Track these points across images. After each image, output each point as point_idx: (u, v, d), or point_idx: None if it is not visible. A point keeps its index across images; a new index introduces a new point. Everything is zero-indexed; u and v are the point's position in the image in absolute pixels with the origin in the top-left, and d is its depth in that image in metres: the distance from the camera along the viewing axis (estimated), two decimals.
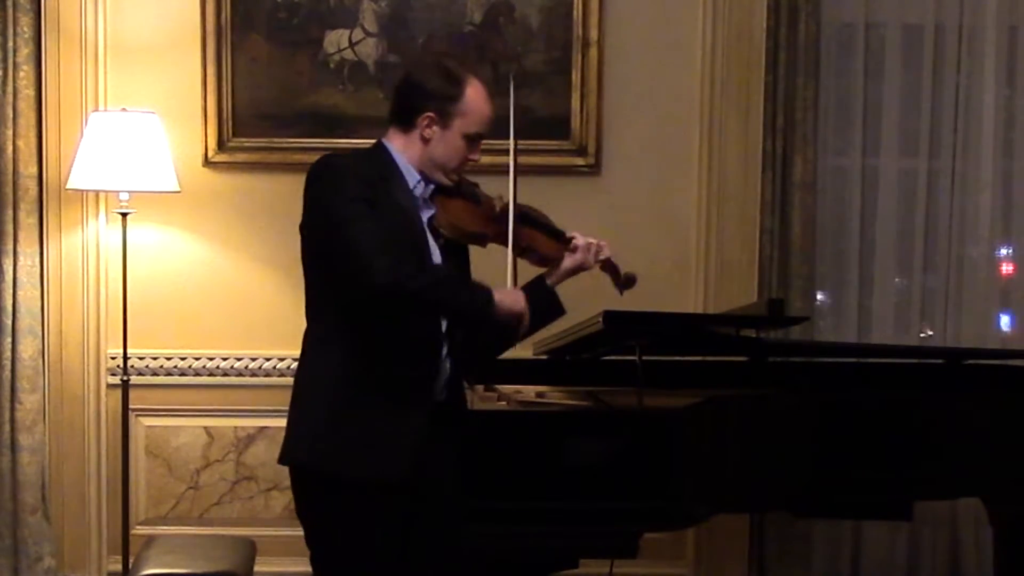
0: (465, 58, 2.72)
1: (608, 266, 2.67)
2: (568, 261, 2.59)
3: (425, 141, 2.50)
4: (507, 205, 2.56)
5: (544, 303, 2.56)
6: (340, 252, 2.39)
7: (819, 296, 4.16)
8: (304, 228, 2.49)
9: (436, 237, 2.52)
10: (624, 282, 2.69)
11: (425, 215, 2.53)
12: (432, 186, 2.54)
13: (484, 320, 2.47)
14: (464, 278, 2.58)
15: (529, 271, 2.62)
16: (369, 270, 2.34)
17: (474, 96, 2.50)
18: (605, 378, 3.30)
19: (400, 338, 2.45)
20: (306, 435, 2.48)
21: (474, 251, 2.64)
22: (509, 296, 2.50)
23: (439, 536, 2.53)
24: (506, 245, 2.55)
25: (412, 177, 2.52)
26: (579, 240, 2.61)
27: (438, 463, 2.51)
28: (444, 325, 2.51)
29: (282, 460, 2.53)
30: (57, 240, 3.96)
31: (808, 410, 3.02)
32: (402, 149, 2.52)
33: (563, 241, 2.62)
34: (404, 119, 2.52)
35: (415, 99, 2.50)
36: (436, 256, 2.51)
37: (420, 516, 2.51)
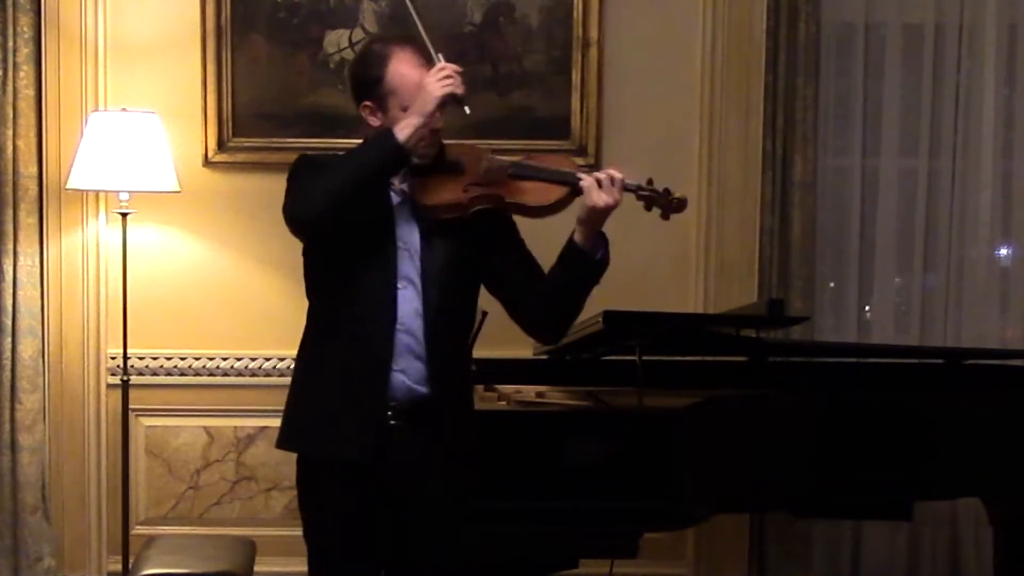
0: (396, 35, 2.64)
1: (645, 196, 2.47)
2: (584, 210, 2.42)
3: (380, 129, 2.45)
4: (494, 164, 2.47)
5: (574, 263, 2.45)
6: (286, 220, 2.42)
7: (831, 284, 4.16)
8: None
9: (420, 223, 2.47)
10: (673, 207, 2.48)
11: (397, 194, 2.47)
12: (404, 173, 2.47)
13: (403, 155, 2.35)
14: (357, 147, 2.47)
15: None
16: (292, 210, 2.39)
17: (398, 69, 2.42)
18: (605, 378, 3.31)
19: (354, 323, 2.44)
20: (283, 418, 2.57)
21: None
22: (420, 97, 2.36)
23: (436, 536, 2.51)
24: (489, 206, 2.43)
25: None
26: (585, 181, 2.41)
27: (417, 459, 2.46)
28: (397, 317, 2.44)
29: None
30: (57, 240, 3.96)
31: (808, 410, 3.02)
32: None
33: (571, 182, 2.44)
34: (361, 117, 2.51)
35: (353, 94, 2.49)
36: (406, 247, 2.45)
37: (412, 516, 2.49)
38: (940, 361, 3.48)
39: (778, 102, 3.99)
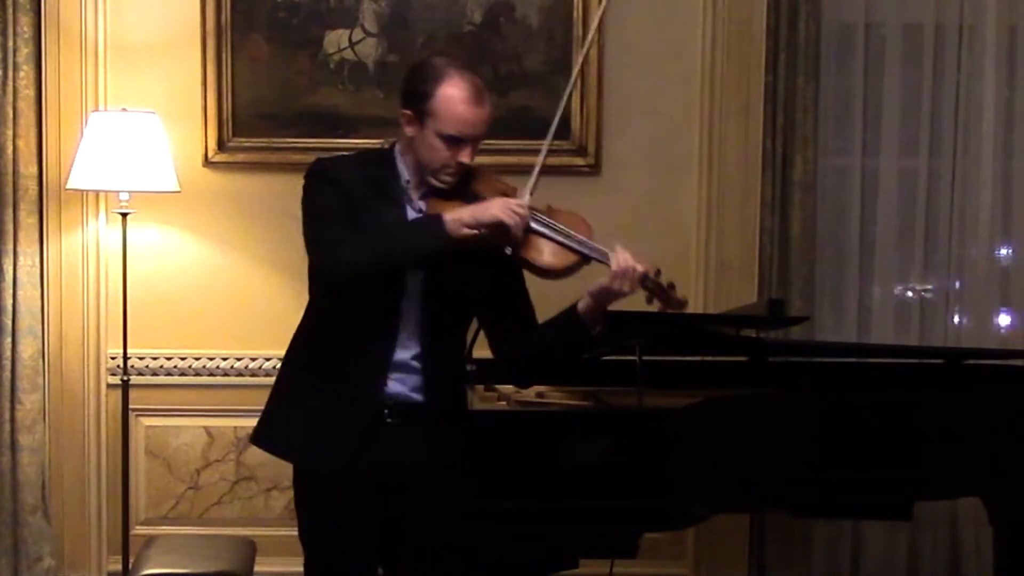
0: (464, 57, 2.59)
1: (650, 288, 2.45)
2: (599, 285, 2.44)
3: (411, 139, 2.46)
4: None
5: (569, 330, 2.50)
6: (307, 249, 2.43)
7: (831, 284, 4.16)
8: None
9: None
10: (672, 304, 2.48)
11: (414, 209, 2.48)
12: (425, 192, 2.48)
13: (446, 249, 2.34)
14: (411, 219, 2.44)
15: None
16: (321, 259, 2.38)
17: (447, 96, 2.38)
18: (605, 378, 3.31)
19: (348, 330, 2.45)
20: (264, 416, 2.59)
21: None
22: (484, 205, 2.35)
23: (431, 537, 2.51)
24: (502, 247, 2.39)
25: (403, 177, 2.49)
26: (616, 263, 2.41)
27: (411, 466, 2.46)
28: (403, 320, 2.44)
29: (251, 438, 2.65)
30: (57, 240, 3.96)
31: (808, 410, 3.02)
32: (404, 148, 2.51)
33: (592, 257, 2.42)
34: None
35: (401, 96, 2.48)
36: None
37: (405, 516, 2.49)
38: (940, 361, 3.48)
39: (778, 102, 3.98)
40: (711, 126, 4.00)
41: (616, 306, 2.71)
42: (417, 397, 2.46)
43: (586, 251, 2.43)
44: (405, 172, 2.49)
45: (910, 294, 4.18)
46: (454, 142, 2.40)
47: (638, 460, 2.74)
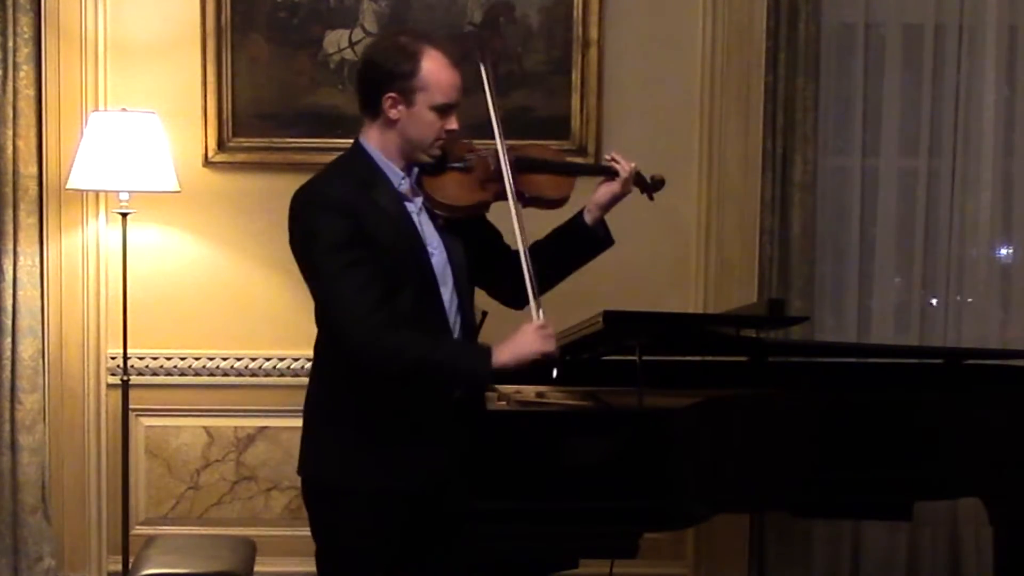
0: (423, 30, 2.64)
1: (638, 181, 2.69)
2: (602, 194, 2.62)
3: (394, 123, 2.45)
4: (497, 157, 2.52)
5: (585, 242, 2.60)
6: (323, 309, 2.42)
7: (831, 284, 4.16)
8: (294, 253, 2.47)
9: (435, 219, 2.50)
10: (653, 186, 2.74)
11: (416, 204, 2.49)
12: (416, 172, 2.50)
13: (486, 381, 2.48)
14: (456, 341, 2.47)
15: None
16: (350, 339, 2.34)
17: (432, 67, 2.42)
18: (605, 378, 3.30)
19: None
20: (321, 448, 2.50)
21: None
22: (519, 343, 2.39)
23: (447, 537, 2.53)
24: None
25: (395, 175, 2.48)
26: (623, 171, 2.63)
27: (456, 463, 2.50)
28: (448, 312, 2.48)
29: (299, 471, 2.56)
30: (57, 240, 3.96)
31: (808, 410, 3.02)
32: (379, 143, 2.48)
33: (592, 172, 2.64)
34: (371, 106, 2.47)
35: (375, 83, 2.45)
36: (436, 250, 2.47)
37: (442, 524, 2.51)
38: (940, 361, 3.48)
39: (778, 102, 3.98)
40: (711, 126, 4.00)
41: (616, 306, 2.72)
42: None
43: (586, 171, 2.72)
44: (391, 165, 2.48)
45: (910, 294, 4.18)
46: (446, 110, 2.45)
47: (638, 460, 2.73)
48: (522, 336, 2.40)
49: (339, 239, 2.35)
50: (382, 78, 2.44)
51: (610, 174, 2.66)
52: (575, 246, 2.63)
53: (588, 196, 2.72)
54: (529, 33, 3.98)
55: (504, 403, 3.10)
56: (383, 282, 2.36)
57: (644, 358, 2.83)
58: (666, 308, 3.78)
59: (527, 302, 2.49)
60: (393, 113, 2.44)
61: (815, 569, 4.12)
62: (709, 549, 4.09)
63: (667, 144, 4.03)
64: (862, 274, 4.16)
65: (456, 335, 2.51)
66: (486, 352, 2.39)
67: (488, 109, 2.53)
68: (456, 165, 2.52)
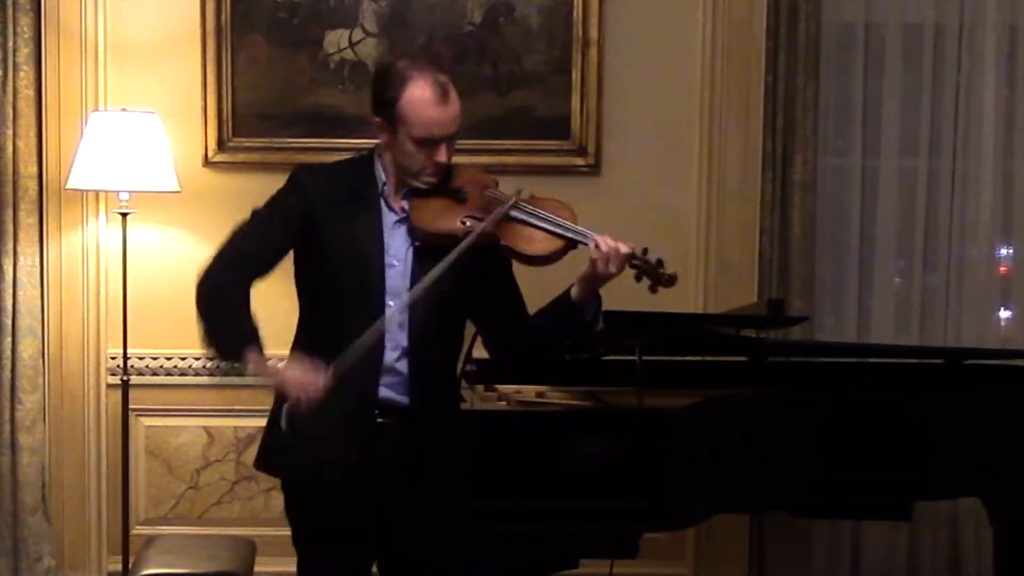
0: (429, 57, 2.58)
1: (638, 266, 2.44)
2: (587, 270, 2.41)
3: (387, 146, 2.45)
4: (496, 200, 2.44)
5: (565, 317, 2.47)
6: None
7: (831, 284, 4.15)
8: None
9: (413, 240, 2.46)
10: (662, 281, 2.45)
11: (396, 215, 2.48)
12: (406, 192, 2.48)
13: (231, 362, 2.50)
14: (242, 315, 2.49)
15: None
16: (208, 259, 2.45)
17: (413, 99, 2.36)
18: (605, 378, 3.30)
19: (336, 337, 2.42)
20: (262, 439, 2.62)
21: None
22: (278, 370, 2.42)
23: (422, 537, 2.51)
24: (481, 242, 2.38)
25: (380, 181, 2.48)
26: (595, 250, 2.39)
27: (405, 459, 2.46)
28: (387, 325, 2.42)
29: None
30: (57, 240, 3.96)
31: (808, 410, 3.02)
32: (383, 152, 2.50)
33: (575, 240, 2.42)
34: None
35: (372, 102, 2.48)
36: (399, 263, 2.44)
37: (397, 516, 2.49)
38: (940, 361, 3.48)
39: (778, 102, 3.98)
40: (711, 126, 4.00)
41: (616, 306, 2.72)
42: (403, 400, 2.46)
43: (569, 235, 2.43)
44: (383, 176, 2.48)
45: (910, 294, 4.18)
46: (428, 144, 2.40)
47: (638, 460, 2.74)
48: (289, 366, 2.43)
49: (279, 205, 2.48)
50: (373, 100, 2.47)
51: (586, 244, 2.43)
52: (559, 319, 2.49)
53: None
54: (529, 33, 3.97)
55: (504, 403, 3.11)
56: (270, 251, 2.47)
57: (644, 358, 2.83)
58: (666, 308, 3.77)
59: (504, 355, 2.61)
60: (380, 136, 2.46)
61: (815, 569, 4.12)
62: (709, 549, 4.09)
63: (667, 144, 4.03)
64: (862, 274, 4.16)
65: (398, 353, 2.45)
66: (246, 341, 2.43)
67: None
68: (452, 193, 2.46)
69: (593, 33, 3.95)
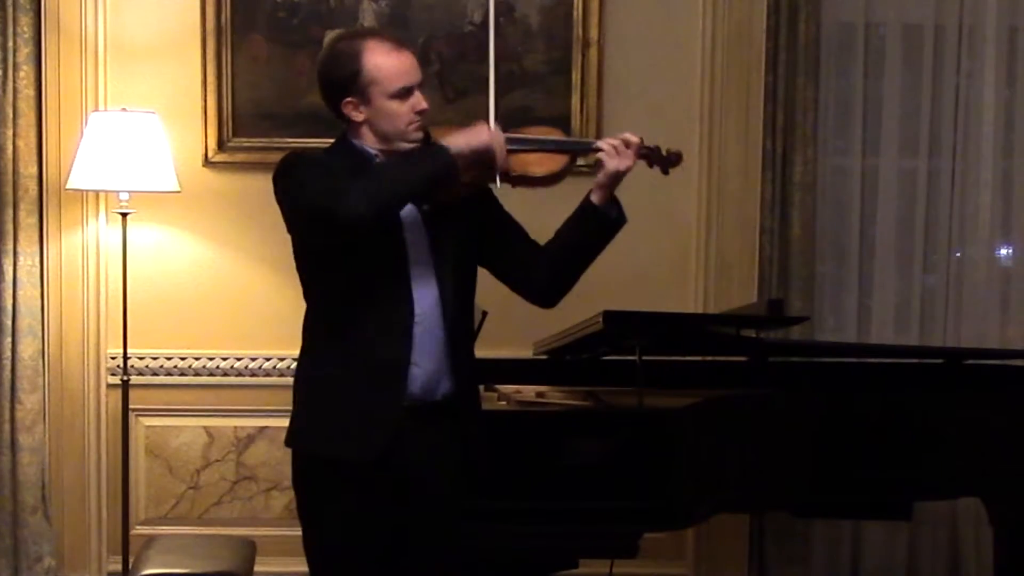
0: (361, 27, 2.59)
1: (647, 154, 2.58)
2: (601, 174, 2.52)
3: (365, 123, 2.46)
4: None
5: (594, 223, 2.53)
6: (307, 212, 2.40)
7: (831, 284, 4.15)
8: (287, 224, 2.53)
9: (419, 207, 2.47)
10: (671, 161, 2.62)
11: None
12: None
13: (455, 173, 2.37)
14: (406, 154, 2.45)
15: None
16: (331, 210, 2.32)
17: (375, 58, 2.41)
18: (605, 378, 3.30)
19: (369, 320, 2.43)
20: (293, 417, 2.55)
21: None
22: (471, 131, 2.42)
23: (438, 534, 2.51)
24: (494, 183, 2.47)
25: (374, 155, 2.49)
26: (604, 147, 2.52)
27: (434, 460, 2.47)
28: (415, 311, 2.43)
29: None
30: (57, 240, 3.96)
31: (808, 410, 3.02)
32: (361, 138, 2.50)
33: (581, 150, 2.57)
34: (340, 117, 2.50)
35: (330, 97, 2.48)
36: (410, 234, 2.45)
37: (413, 513, 2.48)
38: (940, 361, 3.48)
39: (778, 102, 3.98)
40: (711, 126, 4.00)
41: (616, 306, 2.72)
42: (445, 384, 2.47)
43: (572, 147, 2.58)
44: (371, 152, 2.49)
45: (910, 294, 4.18)
46: (405, 94, 2.43)
47: (638, 460, 2.73)
48: (476, 127, 2.43)
49: (315, 166, 2.45)
50: (333, 90, 2.47)
51: (592, 150, 2.58)
52: (586, 228, 2.55)
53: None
54: (529, 33, 3.98)
55: (504, 403, 3.11)
56: (346, 251, 2.41)
57: (644, 358, 2.83)
58: (666, 308, 3.78)
59: (554, 297, 2.60)
60: (357, 115, 2.46)
61: (815, 569, 4.12)
62: (709, 549, 4.09)
63: (667, 144, 4.01)
64: (862, 274, 4.16)
65: (433, 332, 2.45)
66: (439, 145, 2.40)
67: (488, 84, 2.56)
68: None
69: (593, 33, 3.95)
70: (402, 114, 2.44)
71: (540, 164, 2.53)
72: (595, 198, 2.54)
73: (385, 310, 2.43)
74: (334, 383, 2.46)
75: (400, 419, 2.43)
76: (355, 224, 2.31)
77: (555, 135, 2.62)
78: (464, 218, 2.51)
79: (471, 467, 2.54)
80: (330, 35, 2.51)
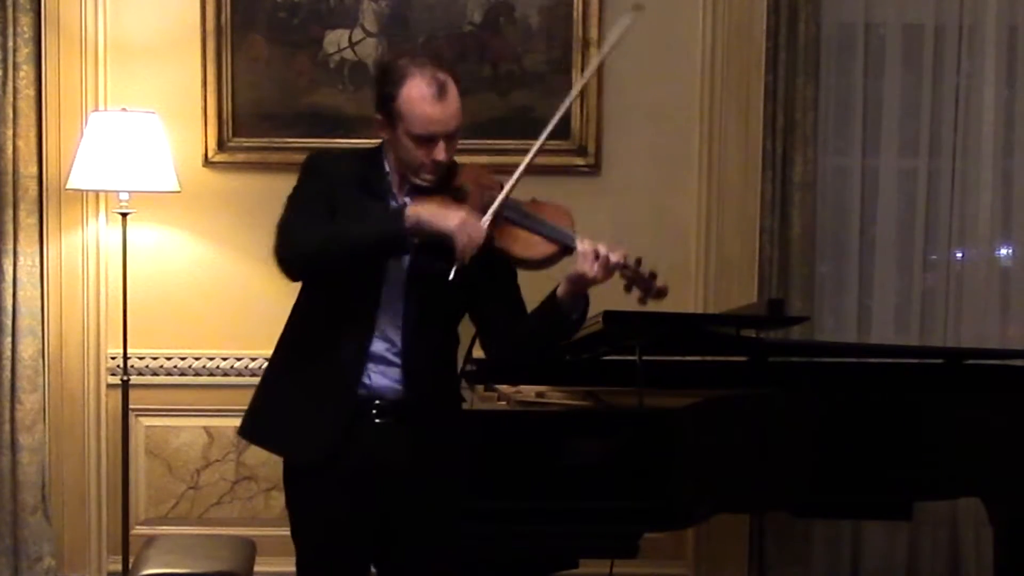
0: (432, 54, 2.54)
1: (627, 275, 2.43)
2: (573, 272, 2.39)
3: (388, 143, 2.46)
4: (496, 200, 2.41)
5: (551, 316, 2.45)
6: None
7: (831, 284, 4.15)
8: None
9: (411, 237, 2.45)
10: (652, 292, 2.45)
11: (398, 203, 2.47)
12: (408, 188, 2.48)
13: (401, 240, 2.32)
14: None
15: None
16: (276, 244, 2.44)
17: (410, 96, 2.36)
18: (605, 378, 3.30)
19: (328, 319, 2.48)
20: (249, 408, 2.62)
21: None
22: (443, 211, 2.31)
23: (422, 536, 2.51)
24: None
25: (392, 176, 2.49)
26: (580, 248, 2.39)
27: (405, 457, 2.46)
28: (382, 311, 2.44)
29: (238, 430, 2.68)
30: (57, 240, 3.96)
31: (808, 410, 3.02)
32: (387, 146, 2.50)
33: (565, 244, 2.41)
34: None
35: (374, 100, 2.48)
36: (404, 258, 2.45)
37: (397, 514, 2.49)
38: (940, 361, 3.48)
39: (778, 102, 3.99)
40: (711, 126, 4.00)
41: (614, 306, 2.72)
42: (399, 389, 2.47)
43: (564, 240, 2.41)
44: (388, 169, 2.50)
45: (910, 294, 4.18)
46: (425, 141, 2.39)
47: (638, 460, 2.74)
48: (455, 212, 2.33)
49: (309, 194, 2.46)
50: (376, 95, 2.47)
51: (571, 247, 2.42)
52: (546, 318, 2.48)
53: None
54: (529, 33, 3.97)
55: (504, 403, 3.11)
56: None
57: (644, 358, 2.83)
58: (666, 308, 3.77)
59: (500, 357, 2.65)
60: (382, 134, 2.46)
61: (815, 569, 4.12)
62: (709, 549, 4.09)
63: (667, 144, 4.03)
64: (862, 274, 4.16)
65: (391, 344, 2.46)
66: (397, 210, 2.39)
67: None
68: (452, 191, 2.45)
69: (593, 33, 3.95)
70: (417, 156, 2.41)
71: (524, 246, 2.42)
72: (560, 291, 2.43)
73: (351, 317, 2.46)
74: (291, 380, 2.53)
75: (349, 427, 2.45)
76: (283, 268, 2.45)
77: (563, 220, 2.48)
78: (486, 266, 2.43)
79: (446, 469, 2.53)
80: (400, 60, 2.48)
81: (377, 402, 2.46)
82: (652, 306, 2.54)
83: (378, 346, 2.46)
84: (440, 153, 2.40)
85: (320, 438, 2.46)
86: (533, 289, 2.58)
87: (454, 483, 2.55)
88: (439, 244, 2.34)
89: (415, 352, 2.47)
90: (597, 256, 2.37)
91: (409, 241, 2.35)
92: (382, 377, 2.47)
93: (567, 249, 2.42)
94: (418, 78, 2.37)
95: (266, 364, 2.56)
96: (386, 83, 2.42)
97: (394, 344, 2.47)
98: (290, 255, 2.42)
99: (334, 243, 2.37)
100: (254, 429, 2.63)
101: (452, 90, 2.40)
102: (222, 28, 3.93)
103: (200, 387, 4.04)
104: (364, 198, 2.45)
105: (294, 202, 2.49)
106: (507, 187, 2.44)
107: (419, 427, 2.48)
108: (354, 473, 2.45)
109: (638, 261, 2.45)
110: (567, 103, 2.51)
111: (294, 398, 2.51)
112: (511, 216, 2.44)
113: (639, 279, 2.44)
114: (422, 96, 2.36)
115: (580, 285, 2.41)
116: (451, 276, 2.32)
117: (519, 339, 2.55)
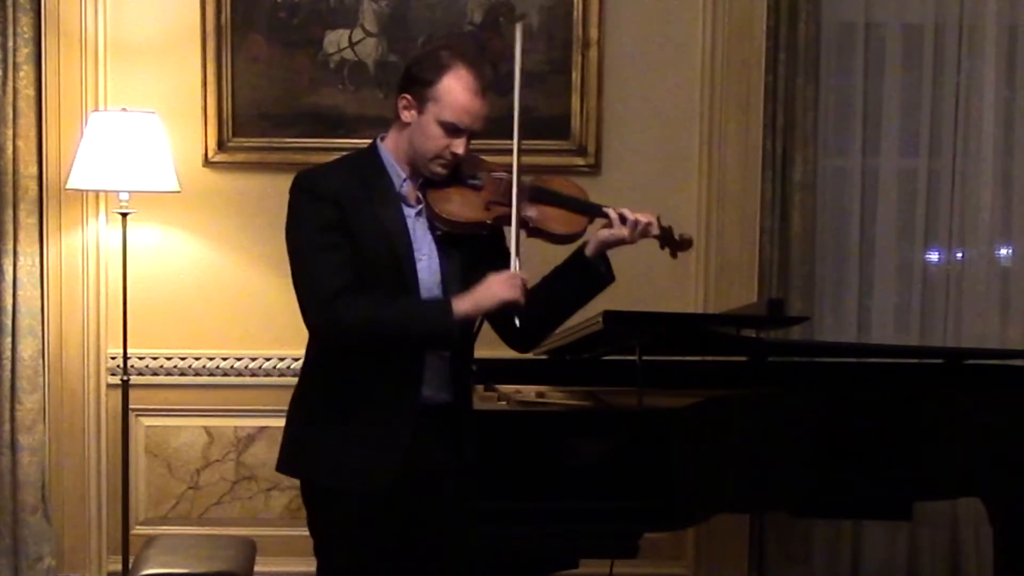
0: (470, 52, 2.56)
1: (659, 235, 2.60)
2: (605, 233, 2.52)
3: (405, 126, 2.45)
4: (510, 182, 2.46)
5: (583, 275, 2.53)
6: (295, 287, 2.42)
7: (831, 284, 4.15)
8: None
9: (433, 229, 2.48)
10: (680, 245, 2.65)
11: (414, 208, 2.48)
12: (420, 180, 2.48)
13: (450, 335, 2.36)
14: (415, 299, 2.42)
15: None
16: (313, 316, 2.36)
17: (452, 84, 2.40)
18: (605, 378, 3.30)
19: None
20: (290, 442, 2.53)
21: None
22: (481, 291, 2.37)
23: (444, 541, 2.52)
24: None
25: (398, 177, 2.48)
26: (625, 215, 2.52)
27: (439, 467, 2.48)
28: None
29: (277, 467, 2.57)
30: (57, 240, 3.96)
31: (808, 410, 3.02)
32: (392, 144, 2.49)
33: (596, 214, 2.55)
34: (394, 106, 2.49)
35: (400, 84, 2.48)
36: (425, 256, 2.45)
37: (421, 522, 2.50)
38: (940, 361, 3.48)
39: (778, 102, 3.99)
40: (711, 126, 4.00)
41: (616, 306, 2.72)
42: (445, 396, 2.48)
43: (592, 210, 2.56)
44: (397, 167, 2.48)
45: (910, 294, 4.18)
46: (452, 131, 2.42)
47: (638, 460, 2.73)
48: (486, 284, 2.38)
49: (320, 223, 2.39)
50: (406, 79, 2.46)
51: (608, 217, 2.56)
52: (573, 279, 2.55)
53: None
54: (529, 33, 3.97)
55: (504, 403, 3.11)
56: (354, 271, 2.38)
57: (644, 358, 2.83)
58: (666, 308, 3.78)
59: (530, 346, 2.63)
60: (405, 115, 2.45)
61: (815, 569, 4.12)
62: (709, 549, 4.09)
63: (667, 144, 4.04)
64: (862, 274, 4.16)
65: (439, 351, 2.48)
66: (445, 304, 2.38)
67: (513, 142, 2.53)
68: (466, 181, 2.50)
69: (593, 33, 3.95)
70: (438, 143, 2.42)
71: (561, 223, 2.54)
72: (589, 251, 2.54)
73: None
74: (341, 408, 2.45)
75: (411, 444, 2.43)
76: (319, 338, 2.42)
77: (575, 190, 2.62)
78: (475, 245, 2.50)
79: (470, 472, 2.55)
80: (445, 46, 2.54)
81: (429, 411, 2.46)
82: (654, 306, 2.55)
83: (432, 358, 2.47)
84: (460, 147, 2.44)
85: (384, 462, 2.41)
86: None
87: (472, 485, 2.57)
88: (459, 237, 2.45)
89: (460, 356, 2.51)
90: (624, 220, 2.52)
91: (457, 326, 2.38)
92: (426, 386, 2.47)
93: (600, 217, 2.56)
94: (463, 70, 2.42)
95: (273, 367, 2.54)
96: (426, 68, 2.43)
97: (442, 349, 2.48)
98: (329, 333, 2.38)
99: (377, 331, 2.36)
100: (301, 464, 2.51)
101: (487, 92, 2.48)
102: (222, 28, 3.93)
103: (200, 387, 4.04)
104: (375, 206, 2.42)
105: (307, 247, 2.40)
106: (515, 176, 2.49)
107: (458, 428, 2.51)
108: (398, 483, 2.43)
109: (657, 219, 2.59)
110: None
111: (349, 424, 2.44)
112: (539, 198, 2.54)
113: (667, 236, 2.64)
114: (467, 86, 2.42)
115: (610, 246, 2.54)
116: (517, 323, 2.43)
117: (542, 309, 2.54)
